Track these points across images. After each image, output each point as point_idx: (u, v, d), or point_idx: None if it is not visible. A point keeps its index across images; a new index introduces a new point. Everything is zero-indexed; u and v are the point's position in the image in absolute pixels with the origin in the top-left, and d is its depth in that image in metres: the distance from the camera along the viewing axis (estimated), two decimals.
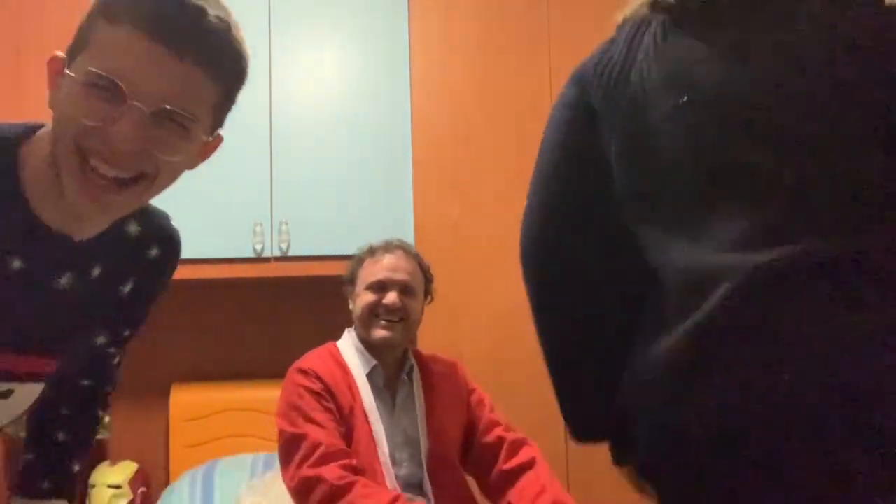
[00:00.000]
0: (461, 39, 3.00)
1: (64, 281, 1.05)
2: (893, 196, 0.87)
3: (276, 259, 2.95)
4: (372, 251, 2.16)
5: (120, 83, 0.91)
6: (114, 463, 2.97)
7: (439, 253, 2.87)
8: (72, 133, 0.93)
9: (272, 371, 3.02)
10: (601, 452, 3.06)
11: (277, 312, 3.29)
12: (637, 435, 1.00)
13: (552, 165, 1.18)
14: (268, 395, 2.77)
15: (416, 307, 2.13)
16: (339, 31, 3.07)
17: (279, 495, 2.37)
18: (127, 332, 1.36)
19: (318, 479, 1.83)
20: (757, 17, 0.94)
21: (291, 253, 2.94)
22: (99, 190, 0.94)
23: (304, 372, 2.00)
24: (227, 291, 3.28)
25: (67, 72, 0.93)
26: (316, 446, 1.88)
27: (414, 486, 2.00)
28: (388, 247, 2.16)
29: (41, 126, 1.03)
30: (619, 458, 1.21)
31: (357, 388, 2.01)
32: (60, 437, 1.38)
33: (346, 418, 1.96)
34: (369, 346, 2.08)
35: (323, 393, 1.96)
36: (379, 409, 2.03)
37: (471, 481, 2.16)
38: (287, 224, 2.96)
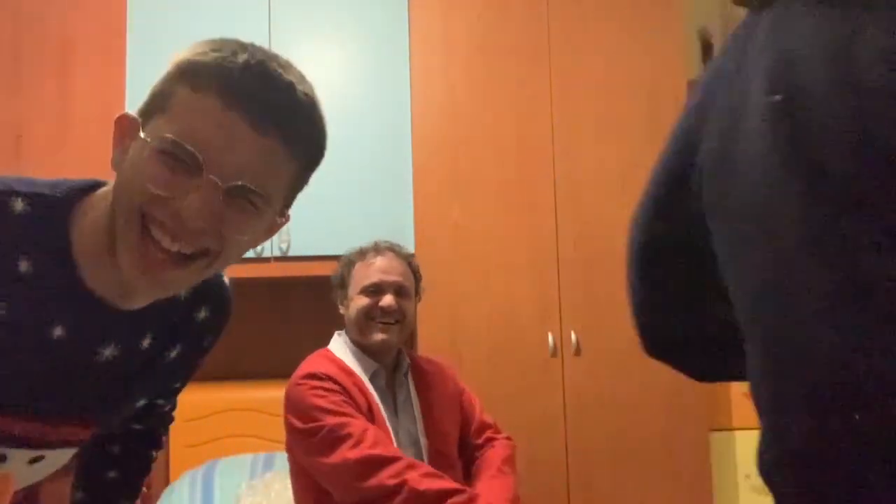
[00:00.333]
0: (461, 39, 3.00)
1: (108, 352, 0.99)
2: None
3: (276, 259, 2.95)
4: (362, 253, 2.14)
5: (199, 154, 0.85)
6: None
7: (439, 253, 2.87)
8: (137, 201, 0.86)
9: (272, 371, 3.03)
10: (601, 452, 3.07)
11: (277, 312, 3.29)
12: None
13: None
14: (268, 395, 2.78)
15: (410, 308, 2.14)
16: (339, 32, 3.07)
17: (279, 495, 2.37)
18: (177, 385, 1.29)
19: (388, 457, 1.82)
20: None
21: (291, 253, 2.94)
22: (156, 264, 0.87)
23: (315, 376, 1.96)
24: None
25: (142, 135, 0.87)
26: (365, 429, 1.87)
27: None
28: (378, 248, 2.14)
29: (102, 184, 0.96)
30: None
31: (367, 389, 2.00)
32: (111, 475, 1.32)
33: (365, 418, 1.95)
34: (365, 349, 2.07)
35: (342, 392, 1.94)
36: (384, 410, 2.03)
37: None
38: (287, 224, 2.95)
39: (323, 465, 1.88)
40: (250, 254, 2.92)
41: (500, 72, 2.99)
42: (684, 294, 1.05)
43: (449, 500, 1.78)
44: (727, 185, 0.88)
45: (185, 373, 1.23)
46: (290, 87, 0.89)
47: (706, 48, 3.61)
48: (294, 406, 1.95)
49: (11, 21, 2.93)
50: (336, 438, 1.86)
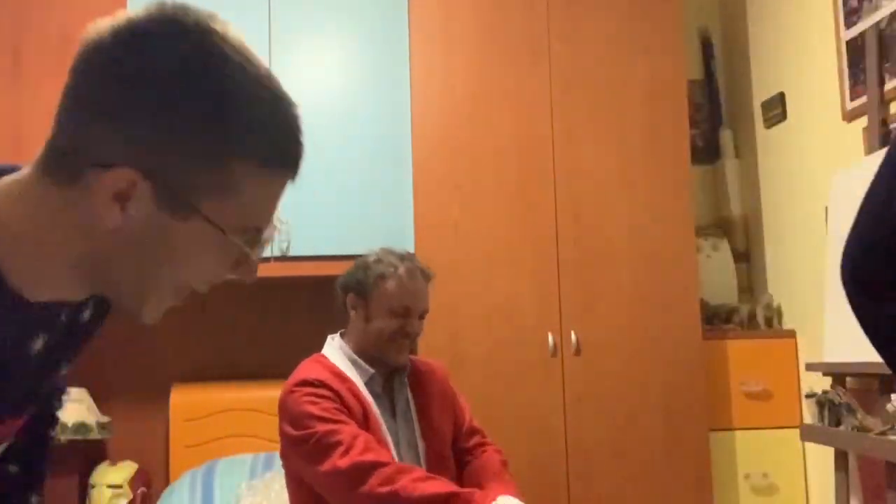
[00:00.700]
0: (461, 39, 3.00)
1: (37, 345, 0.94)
2: None
3: (276, 259, 2.95)
4: (393, 268, 2.06)
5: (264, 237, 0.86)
6: (114, 463, 2.98)
7: (439, 253, 2.87)
8: (180, 283, 0.86)
9: (272, 371, 3.02)
10: (601, 452, 3.08)
11: (277, 312, 3.29)
12: None
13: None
14: (268, 395, 2.77)
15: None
16: (339, 32, 3.07)
17: (279, 495, 2.37)
18: (62, 399, 1.25)
19: (377, 463, 1.81)
20: None
21: (291, 253, 2.94)
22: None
23: (309, 383, 1.95)
24: (227, 291, 3.28)
25: (207, 215, 0.79)
26: (356, 436, 1.86)
27: None
28: (410, 270, 2.07)
29: (10, 170, 0.86)
30: None
31: (362, 395, 2.00)
32: (12, 468, 1.30)
33: (359, 423, 1.94)
34: (372, 360, 2.06)
35: (335, 399, 1.94)
36: (381, 415, 2.03)
37: None
38: (287, 224, 2.95)
39: (316, 472, 1.88)
40: None
41: (500, 72, 2.99)
42: None
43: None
44: None
45: (64, 383, 1.22)
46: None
47: (706, 48, 3.61)
48: (287, 413, 1.95)
49: (11, 21, 2.93)
50: (326, 446, 1.86)
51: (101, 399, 3.07)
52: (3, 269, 0.82)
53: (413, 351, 2.87)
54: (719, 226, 3.45)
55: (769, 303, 3.19)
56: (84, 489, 2.94)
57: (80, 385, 3.00)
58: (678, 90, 3.02)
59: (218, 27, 0.81)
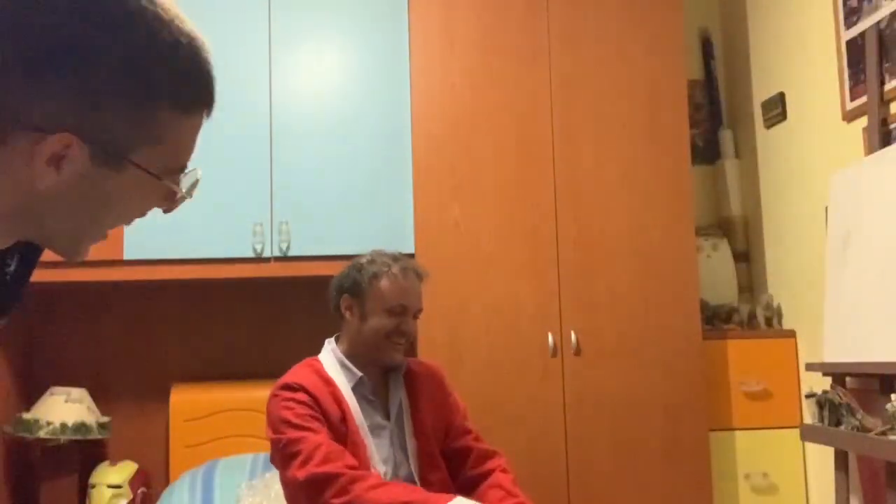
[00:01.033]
0: (461, 39, 3.00)
1: None
2: None
3: (276, 259, 2.95)
4: (388, 267, 2.09)
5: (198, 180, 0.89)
6: (114, 463, 2.98)
7: (439, 253, 2.87)
8: (115, 223, 0.88)
9: (272, 371, 3.02)
10: (601, 452, 3.08)
11: (277, 312, 3.29)
12: None
13: None
14: (268, 395, 2.77)
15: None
16: (339, 32, 3.07)
17: (279, 495, 2.37)
18: None
19: (331, 475, 1.84)
20: None
21: (291, 253, 2.95)
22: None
23: (288, 387, 2.00)
24: (227, 291, 3.28)
25: (138, 163, 0.81)
26: (317, 446, 1.89)
27: None
28: (403, 268, 2.10)
29: None
30: None
31: (344, 399, 2.02)
32: None
33: (337, 428, 1.97)
34: (365, 362, 2.08)
35: (311, 404, 1.97)
36: (370, 418, 2.04)
37: None
38: (287, 224, 2.96)
39: (284, 478, 1.95)
40: (250, 254, 2.92)
41: (500, 72, 2.99)
42: None
43: None
44: None
45: None
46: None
47: (706, 48, 3.61)
48: (268, 416, 2.01)
49: None
50: (288, 455, 1.91)
51: (101, 399, 3.07)
52: None
53: (413, 350, 2.88)
54: (719, 226, 3.45)
55: (769, 303, 3.19)
56: (84, 489, 2.94)
57: (80, 385, 3.00)
58: (678, 90, 3.02)
59: None
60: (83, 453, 2.97)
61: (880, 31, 2.54)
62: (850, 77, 2.70)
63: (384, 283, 2.07)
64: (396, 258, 2.13)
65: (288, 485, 1.94)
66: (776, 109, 3.17)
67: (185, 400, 3.02)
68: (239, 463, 2.81)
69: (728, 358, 3.04)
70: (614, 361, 2.89)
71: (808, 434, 2.57)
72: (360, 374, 2.06)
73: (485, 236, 2.91)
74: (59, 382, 3.02)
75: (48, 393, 2.94)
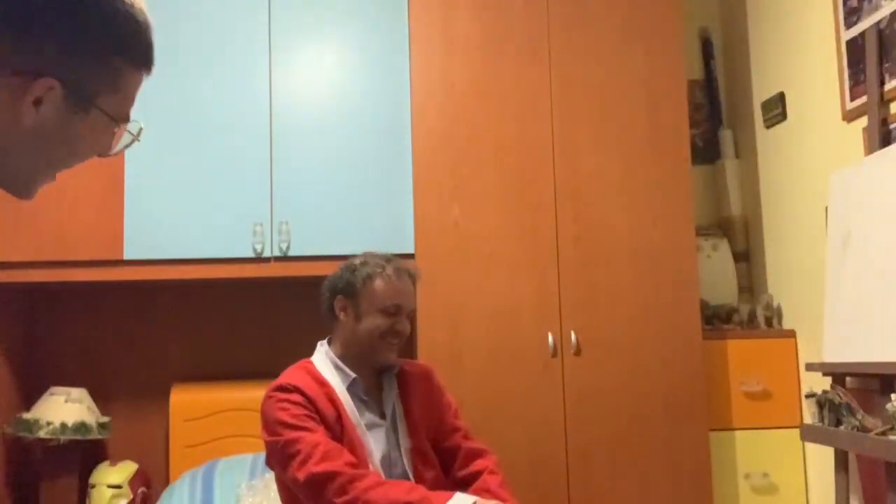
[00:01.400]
0: (461, 39, 3.00)
1: None
2: None
3: (276, 259, 2.95)
4: (381, 268, 2.11)
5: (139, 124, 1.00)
6: (114, 463, 2.98)
7: (439, 253, 2.87)
8: (65, 165, 0.96)
9: (272, 371, 3.02)
10: (601, 452, 3.08)
11: (277, 312, 3.29)
12: None
13: None
14: None
15: None
16: (339, 31, 3.07)
17: (279, 495, 2.37)
18: None
19: (332, 473, 1.85)
20: None
21: (291, 253, 2.95)
22: None
23: (283, 388, 2.01)
24: (227, 291, 3.28)
25: (102, 108, 0.94)
26: (315, 445, 1.90)
27: None
28: (397, 269, 2.13)
29: None
30: None
31: (339, 399, 2.02)
32: None
33: (332, 427, 1.98)
34: (359, 363, 2.09)
35: (306, 404, 1.98)
36: (365, 417, 2.05)
37: None
38: (287, 224, 2.96)
39: (285, 478, 1.95)
40: (250, 254, 2.92)
41: (500, 72, 2.99)
42: None
43: None
44: None
45: None
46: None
47: (706, 48, 3.61)
48: (263, 419, 2.02)
49: None
50: (288, 455, 1.92)
51: (101, 399, 3.07)
52: None
53: (413, 350, 2.88)
54: (719, 226, 3.45)
55: (769, 303, 3.19)
56: (84, 489, 2.94)
57: (80, 385, 3.00)
58: (678, 90, 3.02)
59: None
60: (83, 453, 2.97)
61: (880, 31, 2.54)
62: (850, 77, 2.70)
63: (378, 283, 2.09)
64: (389, 259, 2.15)
65: (287, 485, 1.94)
66: (776, 109, 3.17)
67: (185, 400, 3.02)
68: (239, 463, 2.81)
69: (728, 358, 3.04)
70: (614, 361, 2.89)
71: (808, 434, 2.57)
72: (353, 374, 2.07)
73: (485, 236, 2.91)
74: (59, 382, 3.02)
75: (48, 393, 2.94)
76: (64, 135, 0.92)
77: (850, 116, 2.71)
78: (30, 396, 3.05)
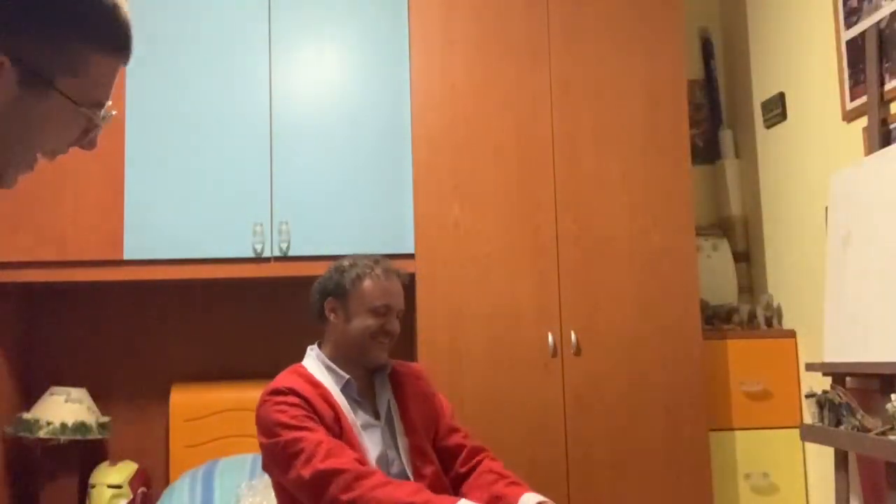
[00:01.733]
0: (461, 39, 3.00)
1: None
2: None
3: (276, 259, 2.95)
4: (370, 269, 2.13)
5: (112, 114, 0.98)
6: (114, 463, 2.98)
7: (439, 253, 2.87)
8: (33, 148, 0.95)
9: (272, 371, 3.01)
10: (601, 452, 3.08)
11: (277, 312, 3.29)
12: None
13: None
14: None
15: None
16: (339, 32, 3.07)
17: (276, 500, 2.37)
18: None
19: (337, 470, 1.84)
20: None
21: (291, 253, 2.95)
22: None
23: (278, 391, 2.00)
24: (227, 291, 3.28)
25: (61, 90, 0.92)
26: (319, 443, 1.89)
27: None
28: (385, 269, 2.14)
29: None
30: None
31: (334, 400, 2.03)
32: None
33: (331, 427, 1.97)
34: (350, 365, 2.10)
35: (303, 405, 1.98)
36: (360, 417, 2.06)
37: None
38: (287, 224, 2.96)
39: (287, 480, 1.94)
40: (250, 254, 2.92)
41: (500, 72, 2.99)
42: None
43: None
44: None
45: None
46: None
47: (706, 48, 3.61)
48: (260, 423, 2.01)
49: None
50: (290, 455, 1.91)
51: (101, 399, 3.07)
52: None
53: (413, 351, 2.88)
54: (719, 226, 3.45)
55: (769, 303, 3.19)
56: (84, 489, 2.94)
57: (80, 385, 3.00)
58: (678, 90, 3.02)
59: None
60: (83, 453, 2.97)
61: (880, 31, 2.54)
62: (850, 77, 2.70)
63: (367, 284, 2.10)
64: (377, 260, 2.16)
65: (293, 483, 1.92)
66: (776, 109, 3.17)
67: (185, 400, 3.03)
68: (239, 463, 2.81)
69: (728, 358, 3.04)
70: (614, 361, 2.89)
71: (808, 434, 2.57)
72: (346, 375, 2.08)
73: (485, 236, 2.91)
74: (59, 382, 3.02)
75: (48, 393, 2.94)
76: (20, 112, 0.91)
77: (850, 116, 2.71)
78: (30, 396, 3.05)
